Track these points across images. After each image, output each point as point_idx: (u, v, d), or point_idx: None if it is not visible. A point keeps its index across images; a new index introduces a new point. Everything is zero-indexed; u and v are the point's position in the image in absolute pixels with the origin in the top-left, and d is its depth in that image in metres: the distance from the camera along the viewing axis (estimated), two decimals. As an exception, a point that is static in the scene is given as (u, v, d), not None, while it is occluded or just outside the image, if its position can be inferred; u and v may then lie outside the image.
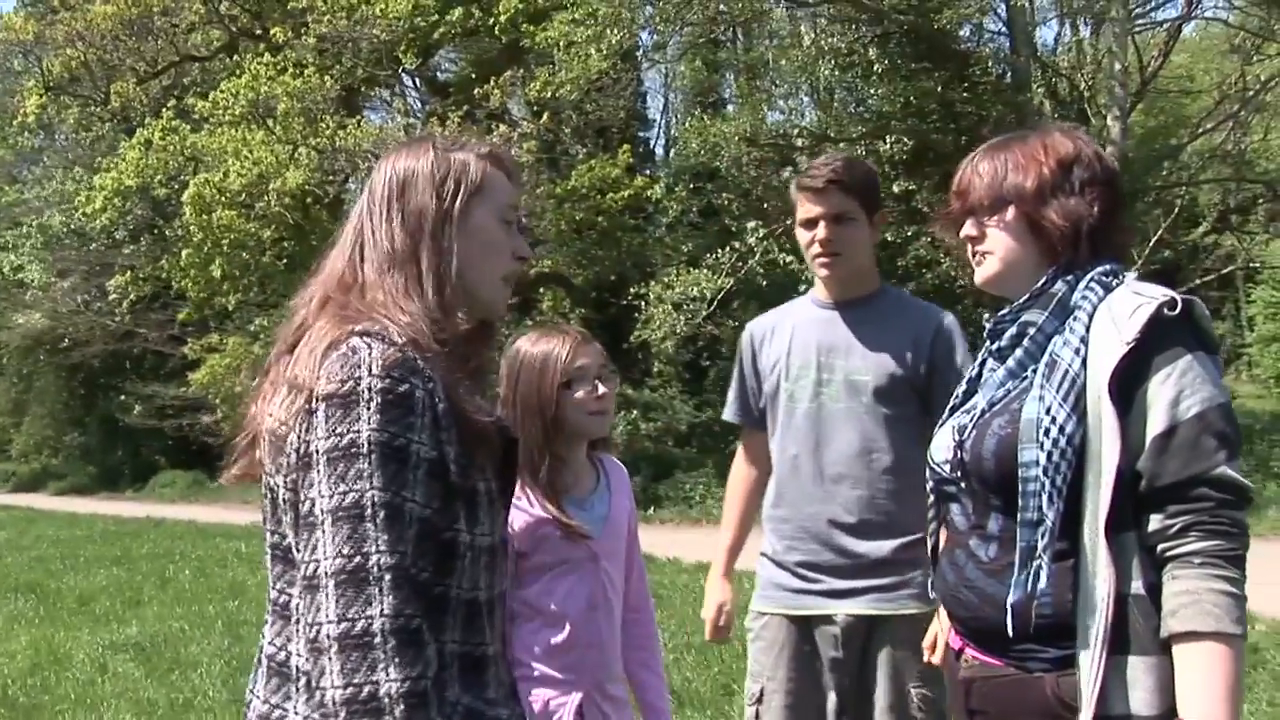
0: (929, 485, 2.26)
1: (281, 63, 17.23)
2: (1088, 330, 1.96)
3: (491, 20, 18.45)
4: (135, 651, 7.94)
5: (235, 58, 20.16)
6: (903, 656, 3.02)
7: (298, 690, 1.70)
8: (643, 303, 18.28)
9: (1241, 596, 1.83)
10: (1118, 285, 2.02)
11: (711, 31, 18.56)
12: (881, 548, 3.05)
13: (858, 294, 3.17)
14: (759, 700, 3.15)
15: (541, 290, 22.40)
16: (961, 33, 18.96)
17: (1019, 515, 1.93)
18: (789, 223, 17.86)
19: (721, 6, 15.54)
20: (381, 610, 1.55)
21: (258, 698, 1.77)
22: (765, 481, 3.33)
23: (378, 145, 18.23)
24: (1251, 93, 19.13)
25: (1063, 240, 2.05)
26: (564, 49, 16.37)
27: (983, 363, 2.23)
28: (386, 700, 1.52)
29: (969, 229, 2.16)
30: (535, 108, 18.89)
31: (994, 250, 2.12)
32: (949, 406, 2.28)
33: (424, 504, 1.63)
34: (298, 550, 1.65)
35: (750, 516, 3.39)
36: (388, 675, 1.53)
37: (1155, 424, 1.87)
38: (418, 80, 23.48)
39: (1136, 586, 1.87)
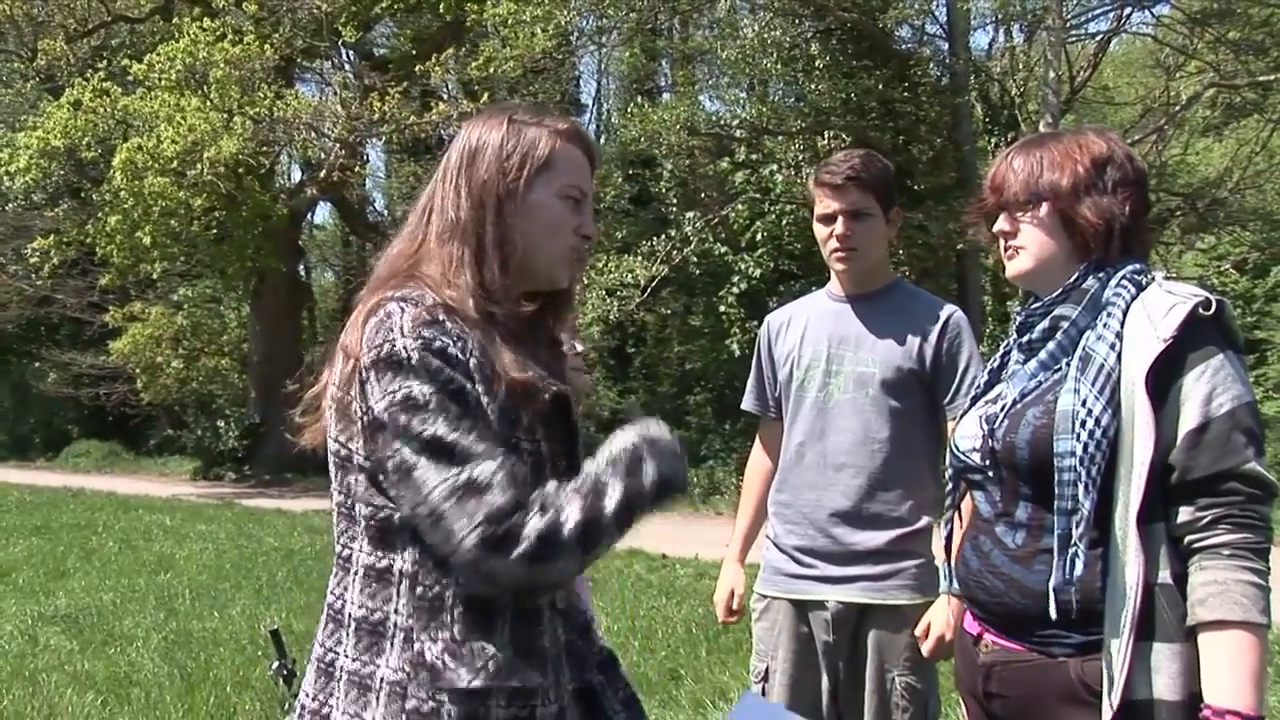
0: (949, 473, 2.31)
1: (221, 29, 16.89)
2: (1122, 326, 2.02)
3: (435, -3, 18.27)
4: (66, 624, 7.78)
5: (172, 21, 19.76)
6: (889, 645, 3.09)
7: (348, 635, 1.81)
8: (577, 287, 18.25)
9: (1266, 588, 1.89)
10: (1149, 283, 2.08)
11: (655, 19, 18.58)
12: (876, 538, 3.12)
13: (870, 288, 3.24)
14: (764, 678, 3.25)
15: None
16: (902, 33, 19.18)
17: (1055, 504, 1.99)
18: (724, 212, 18.15)
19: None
20: (505, 502, 1.65)
21: (319, 643, 1.87)
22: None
23: (315, 117, 18.01)
24: (1177, 108, 19.60)
25: (1095, 238, 2.11)
26: (509, 27, 16.27)
27: (1005, 354, 2.28)
28: (556, 533, 1.66)
29: (1002, 223, 2.21)
30: (473, 87, 18.74)
31: (1027, 245, 2.17)
32: (971, 396, 2.33)
33: (497, 434, 1.72)
34: (395, 505, 1.74)
35: (765, 503, 3.44)
36: (536, 524, 1.65)
37: (1189, 419, 1.94)
38: (353, 54, 23.19)
39: (1164, 576, 1.93)
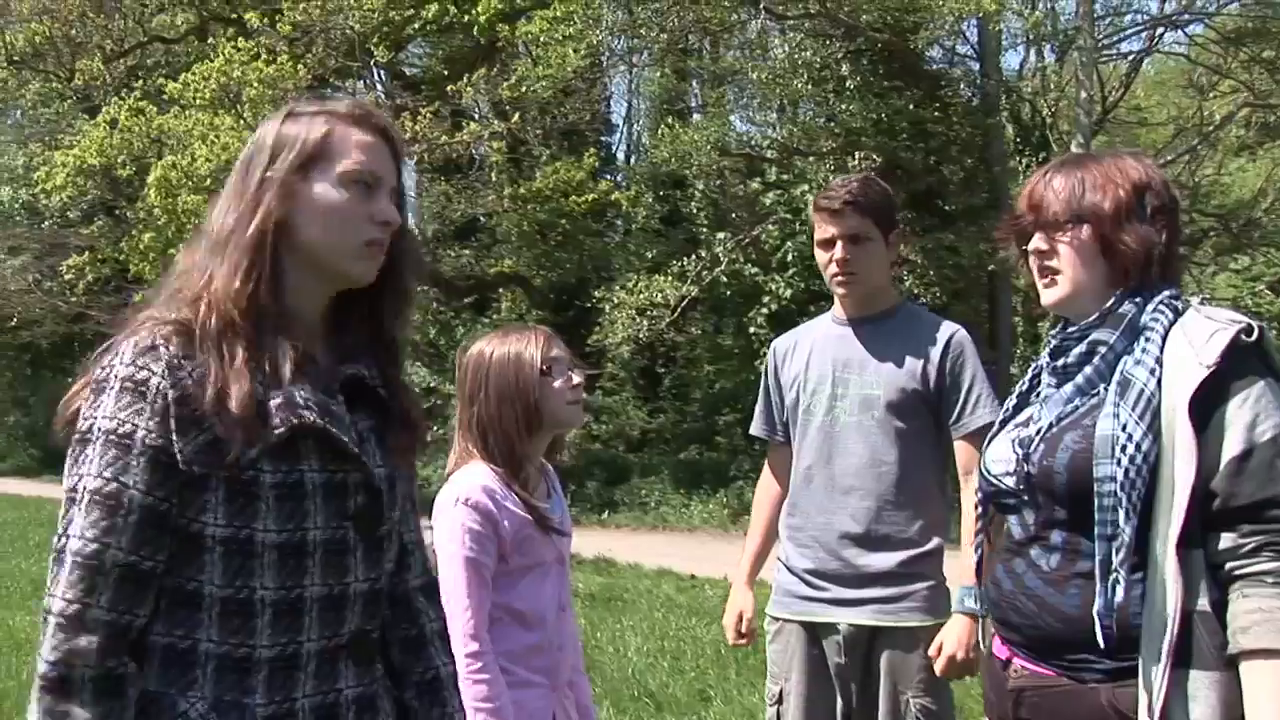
0: (979, 496, 2.30)
1: (255, 49, 17.04)
2: (1162, 351, 2.01)
3: (468, 18, 18.35)
4: (98, 638, 7.82)
5: (206, 41, 19.94)
6: (902, 667, 3.12)
7: None
8: (606, 306, 18.31)
9: None
10: (1185, 308, 2.07)
11: (686, 39, 18.63)
12: (887, 560, 3.15)
13: (873, 311, 3.27)
14: (779, 701, 3.27)
15: (500, 290, 22.37)
16: (933, 54, 19.17)
17: (1095, 529, 1.97)
18: (755, 233, 18.16)
19: (706, 12, 15.57)
20: (58, 591, 1.60)
21: None
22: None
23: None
24: (1210, 128, 19.49)
25: (1134, 264, 2.09)
26: (541, 46, 16.36)
27: (1035, 376, 2.27)
28: (39, 679, 1.59)
29: (1039, 242, 2.17)
30: (504, 107, 18.83)
31: (1064, 270, 2.15)
32: (999, 419, 2.32)
33: (146, 490, 1.63)
34: None
35: (774, 527, 3.47)
36: (43, 655, 1.59)
37: (1232, 446, 1.92)
38: (384, 74, 23.36)
39: (1202, 603, 1.91)
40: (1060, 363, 2.17)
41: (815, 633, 3.23)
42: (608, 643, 7.48)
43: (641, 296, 17.58)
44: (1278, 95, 19.72)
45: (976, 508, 2.34)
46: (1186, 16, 21.32)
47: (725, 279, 17.86)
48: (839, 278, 3.21)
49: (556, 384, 2.72)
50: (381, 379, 1.87)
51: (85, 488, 1.62)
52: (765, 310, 17.94)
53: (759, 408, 3.52)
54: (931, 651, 3.04)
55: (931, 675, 3.07)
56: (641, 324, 17.55)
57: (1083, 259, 2.13)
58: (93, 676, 1.58)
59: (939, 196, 17.57)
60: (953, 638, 2.99)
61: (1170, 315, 2.05)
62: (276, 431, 1.67)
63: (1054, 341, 2.21)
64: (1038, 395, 2.24)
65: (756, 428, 3.55)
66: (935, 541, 3.18)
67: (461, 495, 2.63)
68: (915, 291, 17.10)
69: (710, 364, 22.70)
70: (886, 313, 3.28)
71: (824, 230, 3.20)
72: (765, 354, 14.52)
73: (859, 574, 3.16)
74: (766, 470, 3.56)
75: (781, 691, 3.27)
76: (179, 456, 1.64)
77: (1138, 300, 2.09)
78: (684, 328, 19.93)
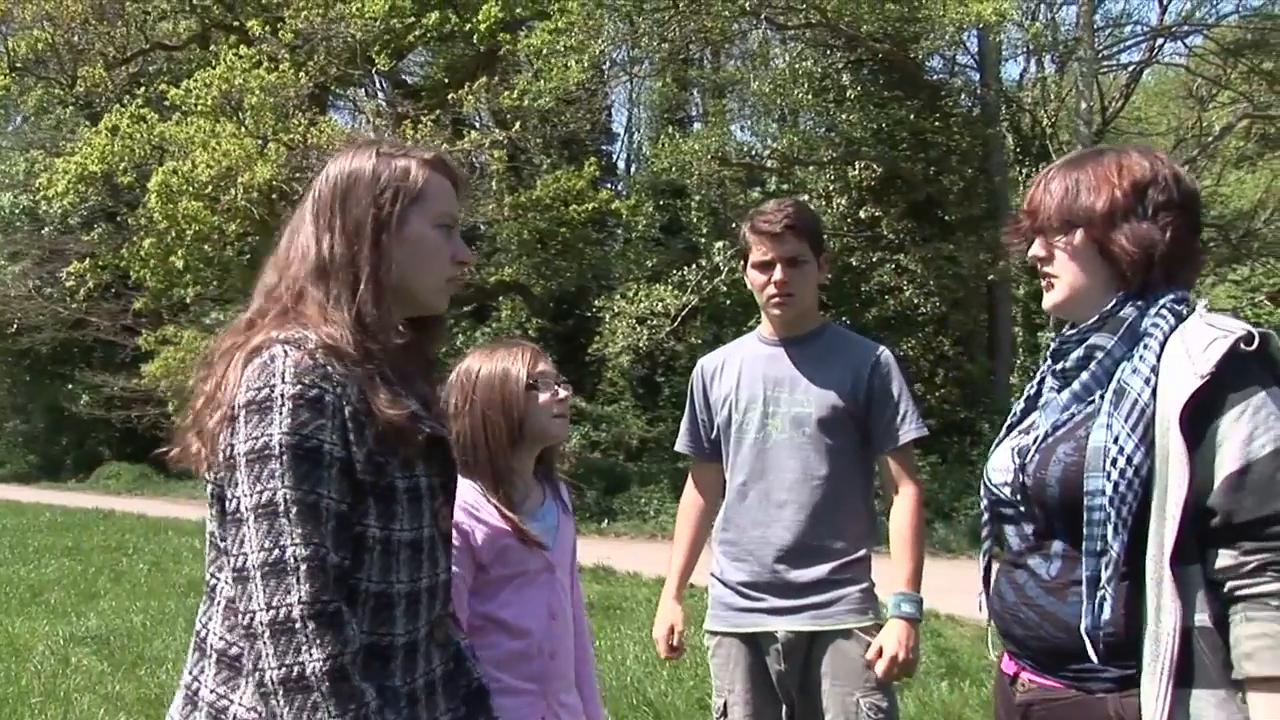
0: (984, 504, 2.25)
1: (256, 56, 17.08)
2: (1158, 359, 1.93)
3: (468, 26, 18.40)
4: (97, 645, 7.84)
5: (208, 48, 19.99)
6: (846, 668, 3.19)
7: (209, 665, 1.86)
8: (607, 315, 18.32)
9: None
10: (1189, 314, 1.98)
11: (686, 49, 18.66)
12: (820, 570, 3.24)
13: (801, 331, 3.37)
14: (724, 713, 3.35)
15: (500, 299, 22.37)
16: (933, 64, 19.22)
17: (1084, 544, 1.93)
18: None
19: (706, 22, 15.59)
20: (300, 598, 1.70)
21: (186, 669, 1.92)
22: (714, 508, 3.54)
23: (348, 144, 18.14)
24: (1210, 139, 19.52)
25: (1132, 266, 2.01)
26: (543, 58, 16.39)
27: (1041, 381, 2.21)
28: (313, 678, 1.68)
29: (1036, 249, 2.13)
30: (505, 115, 18.86)
31: (1061, 275, 2.10)
32: (1005, 425, 2.25)
33: (338, 499, 1.77)
34: (226, 543, 1.79)
35: (700, 542, 3.59)
36: (311, 656, 1.69)
37: (1228, 461, 1.84)
38: (385, 82, 23.39)
39: (1201, 619, 1.85)
40: (1059, 366, 2.12)
41: (755, 643, 3.30)
42: (606, 651, 7.48)
43: (641, 305, 17.60)
44: (1277, 106, 19.76)
45: (982, 514, 2.27)
46: (1186, 28, 21.37)
47: (725, 288, 17.85)
48: (776, 299, 3.29)
49: (542, 398, 2.77)
50: (430, 395, 2.05)
51: (288, 499, 1.72)
52: (766, 320, 17.93)
53: (685, 425, 3.59)
54: (870, 655, 3.13)
55: (875, 675, 3.15)
56: (641, 333, 17.58)
57: (1078, 263, 2.07)
58: (354, 661, 1.73)
59: (939, 206, 17.60)
60: (892, 639, 3.10)
61: (1172, 321, 1.97)
62: (420, 439, 1.87)
63: (1053, 344, 2.16)
64: (1042, 401, 2.17)
65: (683, 445, 3.61)
66: (864, 550, 3.28)
67: None
68: (915, 301, 17.14)
69: (711, 374, 22.59)
70: (814, 332, 3.39)
71: (762, 253, 3.28)
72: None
73: (793, 584, 3.25)
74: (691, 486, 3.62)
75: (726, 704, 3.34)
76: (357, 466, 1.79)
77: (1140, 304, 2.01)
78: (684, 337, 19.90)
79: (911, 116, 16.69)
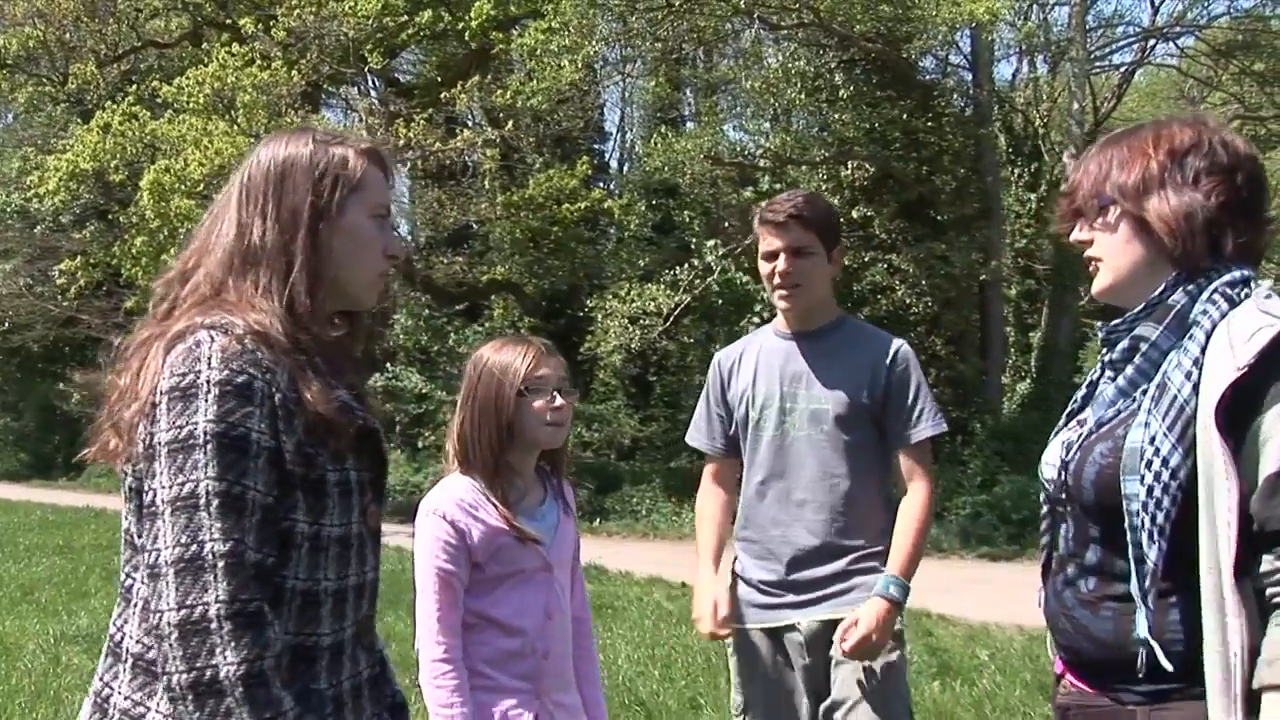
0: (1042, 496, 2.12)
1: (249, 54, 17.05)
2: (1203, 351, 1.77)
3: (461, 25, 18.39)
4: (88, 644, 7.80)
5: (200, 46, 19.95)
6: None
7: (124, 670, 1.76)
8: (599, 314, 18.33)
9: None
10: (1244, 299, 1.81)
11: (679, 49, 18.67)
12: (838, 564, 3.21)
13: (816, 325, 3.33)
14: (743, 711, 3.32)
15: (492, 298, 22.37)
16: (926, 64, 19.25)
17: (1128, 551, 1.81)
18: (747, 242, 18.17)
19: (699, 21, 15.61)
20: (217, 596, 1.61)
21: (97, 675, 1.83)
22: (732, 503, 3.47)
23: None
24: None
25: (1173, 238, 1.86)
26: (536, 57, 16.39)
27: (1102, 369, 2.05)
28: (226, 683, 1.59)
29: (1077, 233, 2.02)
30: (498, 114, 18.86)
31: (1103, 256, 1.98)
32: (1066, 412, 2.11)
33: (265, 491, 1.68)
34: (140, 539, 1.70)
35: (723, 536, 3.46)
36: (225, 659, 1.59)
37: (1269, 462, 1.70)
38: (377, 80, 23.37)
39: None
40: (1109, 357, 1.98)
41: (777, 637, 3.26)
42: (598, 651, 7.47)
43: (633, 304, 17.63)
44: (1268, 108, 19.82)
45: (1042, 508, 2.13)
46: (1178, 29, 21.45)
47: (717, 287, 17.88)
48: (781, 290, 3.26)
49: (536, 404, 2.74)
50: (361, 388, 1.98)
51: (210, 491, 1.63)
52: (757, 319, 17.94)
53: (699, 420, 3.53)
54: (844, 625, 3.07)
55: (894, 648, 3.13)
56: (633, 332, 17.61)
57: (1119, 243, 1.95)
58: (274, 665, 1.64)
59: (931, 206, 17.62)
60: (870, 616, 3.04)
61: (1224, 306, 1.80)
62: (350, 431, 1.80)
63: (1102, 333, 2.01)
64: (1098, 391, 2.03)
65: (697, 440, 3.54)
66: (882, 545, 3.22)
67: (434, 507, 2.73)
68: (907, 301, 17.16)
69: (702, 372, 22.65)
70: (829, 327, 3.34)
71: (768, 243, 3.25)
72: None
73: (813, 580, 3.23)
74: (708, 481, 3.53)
75: (745, 701, 3.31)
76: (286, 457, 1.71)
77: (1191, 289, 1.85)
78: (676, 336, 19.93)
79: (904, 116, 16.72)
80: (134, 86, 19.04)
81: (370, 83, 22.66)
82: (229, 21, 20.18)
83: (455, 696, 2.58)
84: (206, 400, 1.65)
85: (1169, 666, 1.79)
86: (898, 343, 3.30)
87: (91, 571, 11.53)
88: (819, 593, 3.21)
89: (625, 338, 17.59)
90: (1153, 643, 1.80)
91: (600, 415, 23.31)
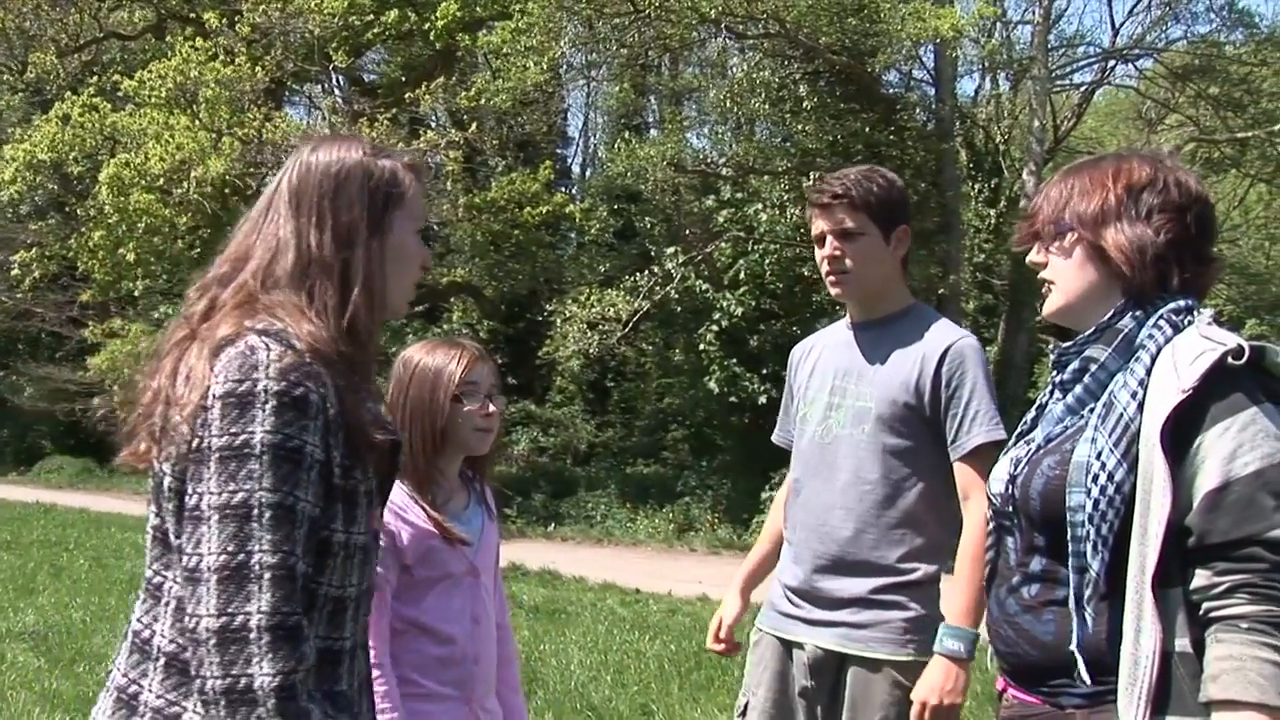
0: (988, 513, 2.19)
1: (212, 49, 16.94)
2: (1148, 373, 1.87)
3: (426, 25, 18.37)
4: (34, 641, 7.71)
5: (164, 39, 19.80)
6: (864, 699, 2.90)
7: (155, 669, 1.76)
8: (558, 319, 18.33)
9: None
10: (1188, 325, 1.92)
11: (645, 55, 18.72)
12: (860, 585, 2.93)
13: (877, 315, 3.04)
14: (743, 714, 3.13)
15: (452, 300, 22.33)
16: (889, 78, 19.38)
17: (1069, 561, 1.89)
18: (707, 250, 18.22)
19: (666, 29, 15.65)
20: (260, 607, 1.62)
21: (119, 670, 1.82)
22: None
23: (303, 140, 18.03)
24: (1159, 160, 19.83)
25: (1126, 266, 1.96)
26: (502, 58, 16.38)
27: (1052, 391, 2.13)
28: (260, 693, 1.60)
29: (1034, 255, 2.09)
30: (462, 116, 18.84)
31: (1056, 280, 2.06)
32: (1016, 433, 2.18)
33: (314, 504, 1.70)
34: (178, 539, 1.70)
35: (768, 554, 3.32)
36: (261, 669, 1.61)
37: (1208, 479, 1.79)
38: (342, 79, 23.28)
39: (1182, 644, 1.80)
40: (1059, 378, 2.07)
41: (789, 650, 3.05)
42: (551, 655, 7.49)
43: (593, 310, 17.62)
44: (1222, 131, 20.13)
45: (989, 524, 2.19)
46: (1137, 51, 21.74)
47: (677, 295, 17.93)
48: (830, 276, 2.99)
49: (468, 409, 2.72)
50: (380, 399, 2.02)
51: (263, 502, 1.64)
52: (715, 327, 18.06)
53: (781, 414, 3.34)
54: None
55: (896, 713, 2.83)
56: (592, 338, 17.60)
57: (1072, 268, 2.03)
58: (304, 678, 1.66)
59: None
60: (925, 683, 2.76)
61: (1169, 332, 1.91)
62: (382, 447, 1.83)
63: (1054, 355, 2.10)
64: (1046, 411, 2.11)
65: (776, 435, 3.35)
66: (922, 570, 2.91)
67: None
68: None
69: (659, 379, 22.78)
70: (893, 316, 3.02)
71: (815, 226, 3.00)
72: (714, 370, 14.78)
73: (830, 597, 2.96)
74: (785, 484, 3.30)
75: (747, 704, 3.11)
76: (335, 471, 1.74)
77: (1139, 315, 1.95)
78: (634, 342, 19.98)
79: (866, 129, 16.82)
80: (95, 78, 18.88)
81: (335, 81, 22.59)
82: (193, 15, 20.02)
83: (385, 703, 2.52)
84: (264, 410, 1.66)
85: (1087, 679, 1.88)
86: (956, 335, 2.95)
87: (40, 568, 11.39)
88: (832, 614, 2.95)
89: (584, 343, 17.58)
90: (1078, 656, 1.88)
91: (557, 420, 23.34)
